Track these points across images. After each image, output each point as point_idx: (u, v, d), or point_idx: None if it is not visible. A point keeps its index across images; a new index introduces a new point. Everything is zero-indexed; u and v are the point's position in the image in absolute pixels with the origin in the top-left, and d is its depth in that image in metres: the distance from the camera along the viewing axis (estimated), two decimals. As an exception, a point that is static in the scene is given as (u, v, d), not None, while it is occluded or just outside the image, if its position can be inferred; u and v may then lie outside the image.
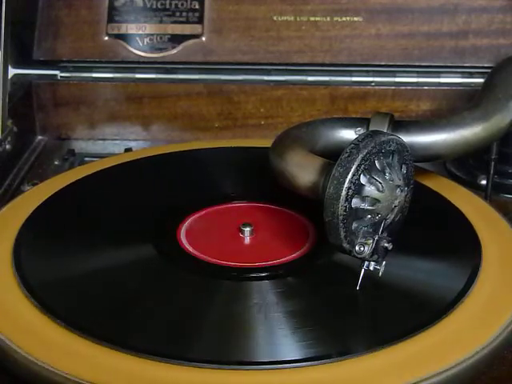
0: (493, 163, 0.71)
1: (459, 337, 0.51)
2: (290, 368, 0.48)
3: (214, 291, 0.56)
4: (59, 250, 0.60)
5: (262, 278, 0.57)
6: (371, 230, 0.54)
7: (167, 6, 0.88)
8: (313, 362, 0.48)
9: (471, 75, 0.86)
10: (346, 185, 0.53)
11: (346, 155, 0.53)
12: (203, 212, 0.66)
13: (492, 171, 0.72)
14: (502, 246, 0.61)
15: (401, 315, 0.53)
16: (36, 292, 0.55)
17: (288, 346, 0.50)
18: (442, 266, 0.58)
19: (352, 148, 0.54)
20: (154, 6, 0.88)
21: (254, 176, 0.70)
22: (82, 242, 0.61)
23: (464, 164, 0.78)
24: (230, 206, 0.67)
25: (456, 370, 0.49)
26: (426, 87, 0.86)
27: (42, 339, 0.51)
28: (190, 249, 0.61)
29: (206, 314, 0.53)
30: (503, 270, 0.58)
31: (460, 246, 0.61)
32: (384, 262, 0.54)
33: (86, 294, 0.55)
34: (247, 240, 0.62)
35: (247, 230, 0.62)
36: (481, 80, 0.72)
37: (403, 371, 0.48)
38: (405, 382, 0.48)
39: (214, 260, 0.59)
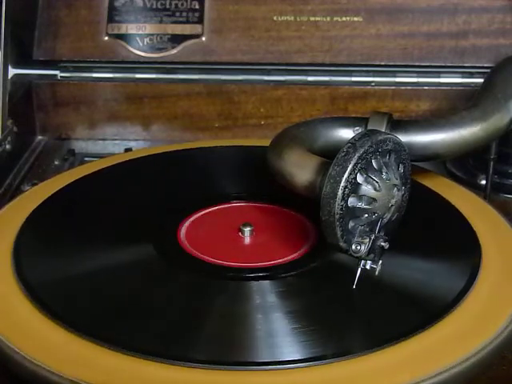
0: (492, 163, 0.71)
1: (459, 337, 0.51)
2: (289, 368, 0.48)
3: (214, 291, 0.56)
4: (59, 250, 0.60)
5: (262, 278, 0.57)
6: (368, 229, 0.55)
7: (167, 6, 0.88)
8: (313, 362, 0.48)
9: (471, 75, 0.86)
10: (342, 184, 0.53)
11: (343, 154, 0.53)
12: (203, 212, 0.66)
13: (491, 171, 0.72)
14: (501, 246, 0.61)
15: (400, 315, 0.53)
16: (36, 292, 0.54)
17: (288, 346, 0.50)
18: (442, 265, 0.58)
19: (349, 147, 0.54)
20: (154, 6, 0.88)
21: (254, 176, 0.70)
22: (82, 242, 0.61)
23: (464, 164, 0.78)
24: (230, 205, 0.67)
25: (456, 369, 0.49)
26: (426, 87, 0.86)
27: (42, 339, 0.51)
28: (190, 249, 0.61)
29: (206, 314, 0.53)
30: (503, 269, 0.58)
31: (460, 245, 0.61)
32: (380, 261, 0.54)
33: (85, 294, 0.55)
34: (247, 240, 0.62)
35: (247, 229, 0.62)
36: (481, 80, 0.72)
37: (403, 371, 0.48)
38: (405, 382, 0.48)
39: (214, 260, 0.59)
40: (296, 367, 0.48)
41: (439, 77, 0.87)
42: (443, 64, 0.86)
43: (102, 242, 0.61)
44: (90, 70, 0.88)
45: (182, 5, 0.88)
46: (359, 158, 0.53)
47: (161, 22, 0.88)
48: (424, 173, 0.71)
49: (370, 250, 0.54)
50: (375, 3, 0.86)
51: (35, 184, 0.75)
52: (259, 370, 0.48)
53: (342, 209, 0.53)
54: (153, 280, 0.57)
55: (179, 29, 0.88)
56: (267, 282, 0.56)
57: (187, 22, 0.88)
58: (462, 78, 0.86)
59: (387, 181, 0.55)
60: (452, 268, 0.58)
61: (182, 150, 0.77)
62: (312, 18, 0.87)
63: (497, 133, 0.66)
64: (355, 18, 0.86)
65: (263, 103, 0.87)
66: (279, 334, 0.51)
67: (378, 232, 0.55)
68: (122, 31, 0.88)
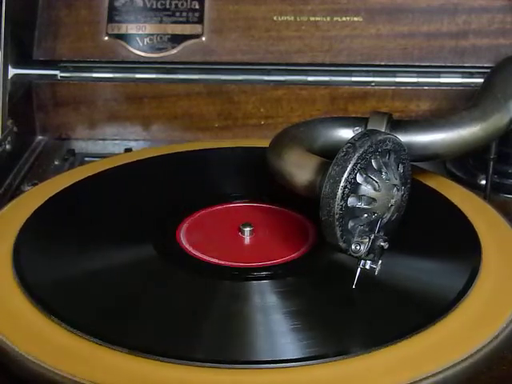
0: (491, 163, 0.71)
1: (459, 336, 0.51)
2: (289, 367, 0.48)
3: (214, 291, 0.56)
4: (59, 250, 0.60)
5: (262, 278, 0.57)
6: (367, 229, 0.55)
7: (167, 6, 0.88)
8: (312, 362, 0.49)
9: (471, 75, 0.86)
10: (342, 184, 0.53)
11: (343, 154, 0.53)
12: (203, 212, 0.66)
13: (491, 171, 0.72)
14: (501, 246, 0.61)
15: (400, 315, 0.53)
16: (36, 292, 0.55)
17: (287, 345, 0.50)
18: (442, 265, 0.58)
19: (348, 147, 0.54)
20: (154, 6, 0.88)
21: (254, 176, 0.70)
22: (82, 242, 0.61)
23: (464, 164, 0.78)
24: (229, 206, 0.67)
25: (456, 369, 0.49)
26: (426, 87, 0.86)
27: (42, 339, 0.51)
28: (190, 249, 0.61)
29: (206, 314, 0.53)
30: (503, 270, 0.58)
31: (460, 245, 0.61)
32: (380, 261, 0.54)
33: (85, 294, 0.55)
34: (247, 240, 0.62)
35: (247, 230, 0.62)
36: (481, 80, 0.72)
37: (403, 371, 0.48)
38: (405, 382, 0.48)
39: (214, 260, 0.59)
40: (296, 366, 0.48)
41: (439, 77, 0.86)
42: (443, 64, 0.86)
43: (102, 242, 0.61)
44: (90, 69, 0.88)
45: (182, 5, 0.88)
46: (359, 157, 0.53)
47: (161, 22, 0.88)
48: (424, 173, 0.71)
49: (370, 250, 0.54)
50: (375, 3, 0.86)
51: (35, 184, 0.75)
52: (259, 369, 0.48)
53: (341, 209, 0.53)
54: (153, 280, 0.57)
55: (179, 29, 0.88)
56: (267, 281, 0.56)
57: (187, 22, 0.88)
58: (462, 78, 0.86)
59: (387, 181, 0.55)
60: (452, 268, 0.58)
61: (182, 150, 0.77)
62: (312, 18, 0.87)
63: (497, 133, 0.66)
64: (355, 18, 0.86)
65: (263, 103, 0.87)
66: (279, 333, 0.51)
67: (378, 232, 0.55)
68: (122, 31, 0.88)
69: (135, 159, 0.75)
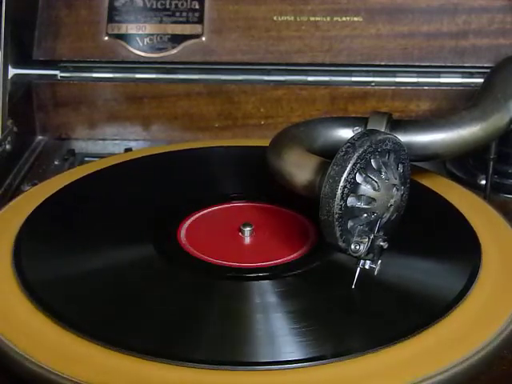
0: (491, 163, 0.71)
1: (459, 337, 0.51)
2: (289, 368, 0.48)
3: (214, 291, 0.56)
4: (59, 250, 0.60)
5: (262, 278, 0.57)
6: (367, 229, 0.55)
7: (167, 6, 0.88)
8: (312, 362, 0.48)
9: (471, 75, 0.86)
10: (341, 183, 0.53)
11: (342, 154, 0.53)
12: (203, 212, 0.66)
13: (491, 171, 0.72)
14: (501, 246, 0.61)
15: (400, 315, 0.53)
16: (36, 292, 0.55)
17: (287, 346, 0.50)
18: (442, 266, 0.58)
19: (348, 147, 0.54)
20: (154, 6, 0.88)
21: (254, 176, 0.70)
22: (82, 241, 0.61)
23: (464, 164, 0.78)
24: (229, 205, 0.67)
25: (456, 369, 0.49)
26: (426, 87, 0.86)
27: (42, 339, 0.51)
28: (190, 249, 0.61)
29: (206, 314, 0.53)
30: (503, 269, 0.58)
31: (460, 245, 0.61)
32: (380, 261, 0.54)
33: (85, 293, 0.55)
34: (247, 240, 0.62)
35: (247, 229, 0.62)
36: (481, 80, 0.72)
37: (403, 371, 0.48)
38: (405, 382, 0.48)
39: (214, 260, 0.59)
40: (296, 367, 0.48)
41: (439, 77, 0.87)
42: (443, 64, 0.86)
43: (102, 241, 0.61)
44: (90, 69, 0.88)
45: (182, 5, 0.88)
46: (358, 157, 0.53)
47: (161, 22, 0.88)
48: (423, 173, 0.71)
49: (369, 250, 0.54)
50: (375, 3, 0.86)
51: (35, 184, 0.75)
52: (259, 370, 0.48)
53: (341, 208, 0.53)
54: (153, 280, 0.57)
55: (179, 29, 0.88)
56: (267, 281, 0.56)
57: (187, 22, 0.88)
58: (462, 78, 0.86)
59: (386, 180, 0.55)
60: (452, 268, 0.58)
61: (182, 149, 0.77)
62: (312, 18, 0.87)
63: (496, 133, 0.66)
64: (355, 18, 0.87)
65: (263, 103, 0.87)
66: (279, 333, 0.51)
67: (377, 232, 0.55)
68: (122, 31, 0.88)
69: (135, 159, 0.75)
